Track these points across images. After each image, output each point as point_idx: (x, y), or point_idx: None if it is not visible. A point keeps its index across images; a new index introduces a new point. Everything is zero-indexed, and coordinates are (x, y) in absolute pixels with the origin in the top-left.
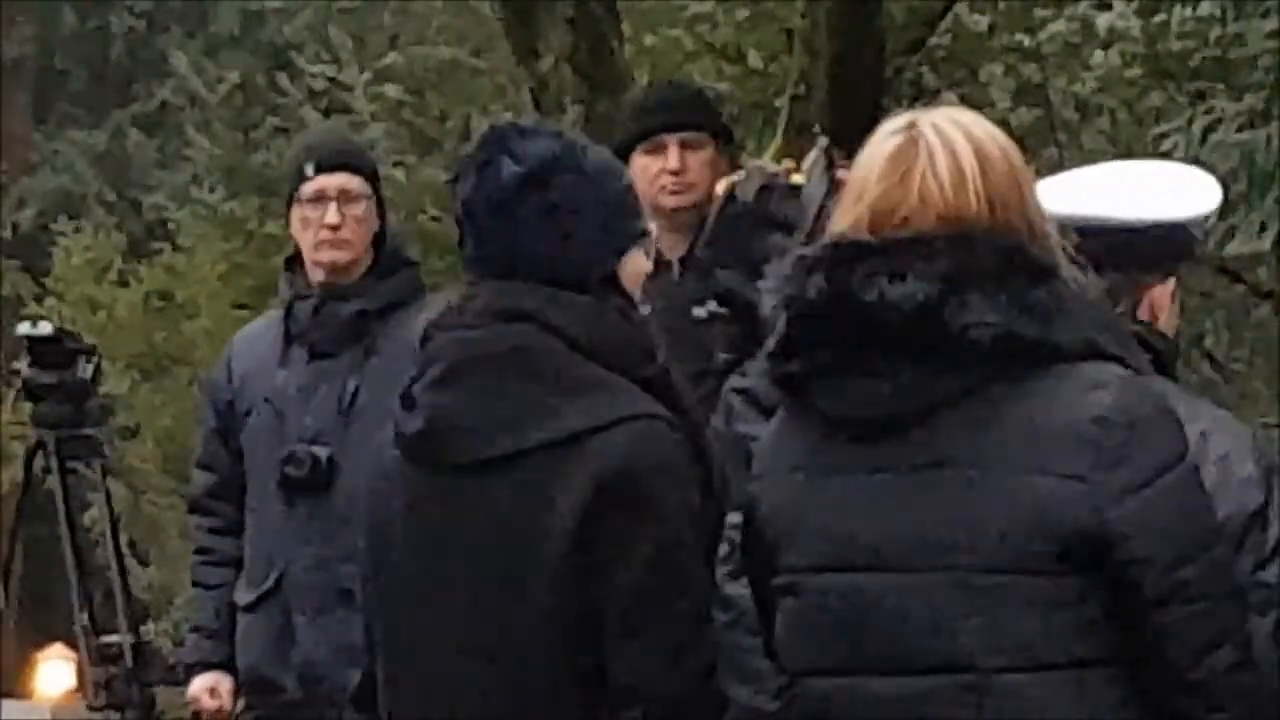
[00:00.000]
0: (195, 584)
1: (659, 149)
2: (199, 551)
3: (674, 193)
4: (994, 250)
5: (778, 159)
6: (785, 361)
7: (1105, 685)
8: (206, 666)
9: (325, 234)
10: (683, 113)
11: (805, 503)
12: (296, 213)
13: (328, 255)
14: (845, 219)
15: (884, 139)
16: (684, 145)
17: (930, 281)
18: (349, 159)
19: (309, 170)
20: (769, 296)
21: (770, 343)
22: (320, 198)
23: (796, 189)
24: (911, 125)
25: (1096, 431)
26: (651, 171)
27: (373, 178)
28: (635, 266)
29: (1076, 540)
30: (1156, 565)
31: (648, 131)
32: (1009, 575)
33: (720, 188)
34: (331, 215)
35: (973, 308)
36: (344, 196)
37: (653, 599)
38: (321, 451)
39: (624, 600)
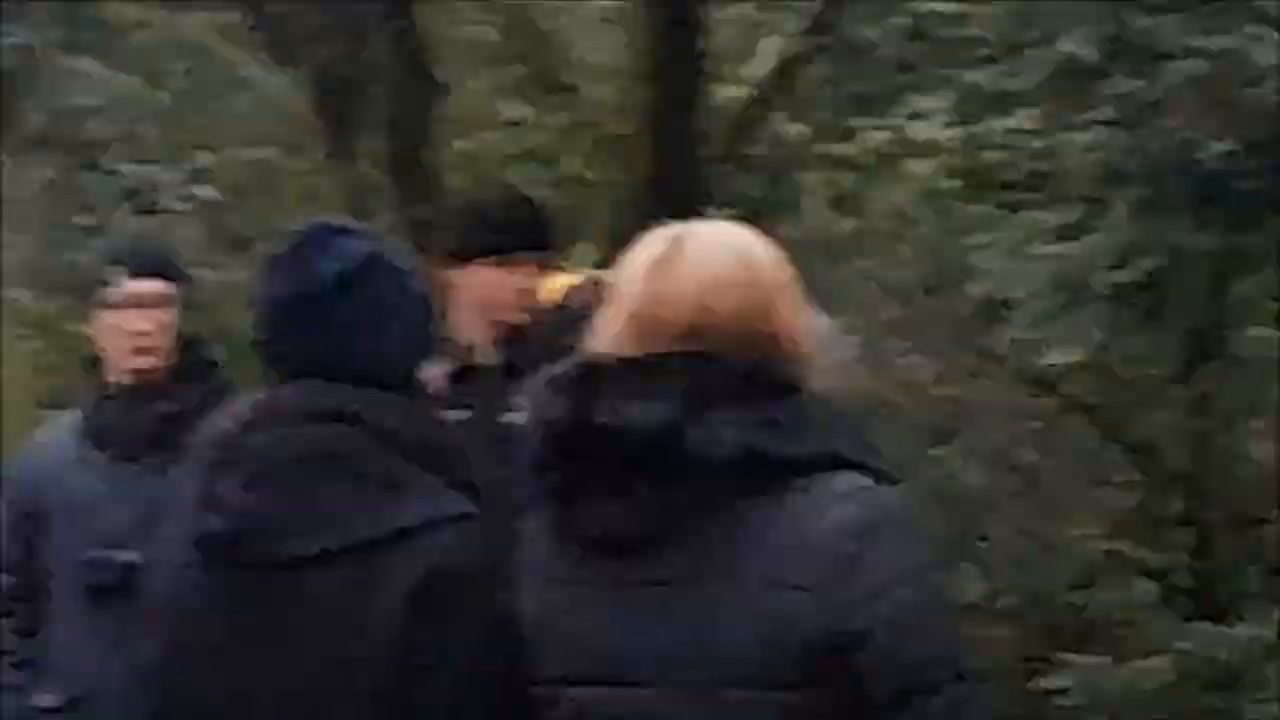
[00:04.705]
0: None
1: (515, 264)
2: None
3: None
4: (733, 369)
5: (598, 265)
6: (538, 476)
7: None
8: None
9: (135, 341)
10: (541, 233)
11: (557, 614)
12: (104, 318)
13: (135, 363)
14: (605, 328)
15: (645, 249)
16: (539, 265)
17: (668, 402)
18: (158, 265)
19: (118, 277)
20: (520, 416)
21: (525, 458)
22: (129, 304)
23: None
24: (673, 237)
25: (835, 541)
26: (506, 284)
27: (180, 281)
28: (430, 373)
29: (816, 650)
30: (891, 671)
31: (506, 247)
32: (749, 690)
33: (553, 291)
34: (141, 323)
35: (711, 426)
36: (153, 303)
37: (468, 704)
38: (126, 556)
39: (439, 704)
